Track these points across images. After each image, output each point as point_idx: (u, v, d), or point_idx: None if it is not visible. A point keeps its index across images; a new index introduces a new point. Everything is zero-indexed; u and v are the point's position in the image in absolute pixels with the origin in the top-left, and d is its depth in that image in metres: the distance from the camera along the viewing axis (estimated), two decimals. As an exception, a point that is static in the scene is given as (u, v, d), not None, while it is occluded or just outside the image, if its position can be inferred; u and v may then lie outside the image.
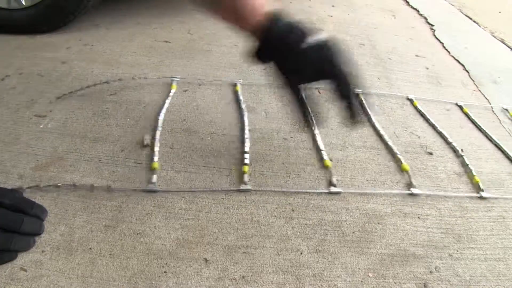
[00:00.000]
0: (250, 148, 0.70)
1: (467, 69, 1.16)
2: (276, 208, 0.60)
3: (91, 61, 0.97)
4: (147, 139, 0.69)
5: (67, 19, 1.10)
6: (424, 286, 0.51)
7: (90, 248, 0.51)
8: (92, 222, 0.54)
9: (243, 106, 0.82)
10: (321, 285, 0.49)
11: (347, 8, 1.60)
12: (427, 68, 1.13)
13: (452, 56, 1.25)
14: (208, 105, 0.83)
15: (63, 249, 0.50)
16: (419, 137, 0.80)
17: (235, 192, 0.62)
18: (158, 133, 0.71)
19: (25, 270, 0.47)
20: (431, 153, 0.76)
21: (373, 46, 1.24)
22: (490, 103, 0.98)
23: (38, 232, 0.51)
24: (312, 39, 0.57)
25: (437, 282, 0.51)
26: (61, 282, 0.46)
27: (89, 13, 1.16)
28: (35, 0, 1.05)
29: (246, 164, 0.66)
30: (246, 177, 0.63)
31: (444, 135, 0.81)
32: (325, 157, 0.70)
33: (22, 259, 0.48)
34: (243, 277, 0.49)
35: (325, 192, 0.63)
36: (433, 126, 0.84)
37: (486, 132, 0.84)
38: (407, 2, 1.80)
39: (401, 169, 0.70)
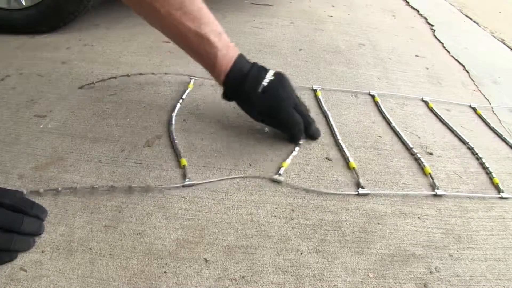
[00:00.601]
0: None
1: (467, 69, 1.16)
2: (276, 208, 0.60)
3: (91, 61, 0.97)
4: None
5: (67, 19, 1.10)
6: (424, 286, 0.51)
7: (90, 248, 0.51)
8: (92, 222, 0.54)
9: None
10: (321, 285, 0.49)
11: (347, 8, 1.60)
12: (427, 68, 1.13)
13: (452, 56, 1.25)
14: (208, 104, 0.83)
15: (63, 249, 0.50)
16: (419, 137, 0.80)
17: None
18: (173, 131, 0.73)
19: (25, 270, 0.47)
20: (431, 153, 0.76)
21: (373, 46, 1.24)
22: (490, 103, 0.98)
23: (38, 232, 0.51)
24: (265, 82, 0.67)
25: (437, 282, 0.51)
26: (61, 282, 0.46)
27: (89, 13, 1.16)
28: (35, 0, 1.06)
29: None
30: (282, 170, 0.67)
31: (458, 134, 0.82)
32: (351, 159, 0.71)
33: (22, 259, 0.48)
34: (243, 277, 0.49)
35: (353, 194, 0.64)
36: (447, 126, 0.85)
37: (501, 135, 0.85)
38: (407, 2, 1.80)
39: (424, 173, 0.70)
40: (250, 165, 0.67)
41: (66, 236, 0.52)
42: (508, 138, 0.84)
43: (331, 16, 1.48)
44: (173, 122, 0.76)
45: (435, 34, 1.43)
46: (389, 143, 0.77)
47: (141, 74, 0.90)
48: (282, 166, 0.67)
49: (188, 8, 0.61)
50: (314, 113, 0.83)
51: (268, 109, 0.68)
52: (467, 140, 0.80)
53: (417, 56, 1.21)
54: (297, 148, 0.71)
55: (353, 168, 0.68)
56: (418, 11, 1.69)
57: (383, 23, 1.48)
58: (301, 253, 0.53)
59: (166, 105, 0.81)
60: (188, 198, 0.60)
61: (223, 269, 0.50)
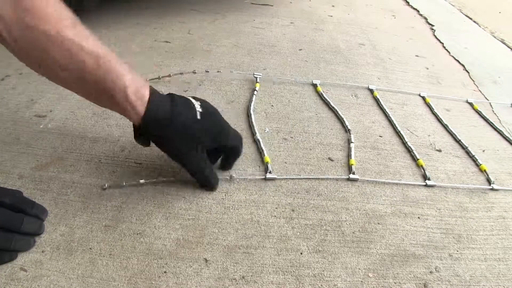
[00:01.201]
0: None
1: (467, 69, 1.16)
2: (276, 208, 0.60)
3: (91, 61, 0.96)
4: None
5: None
6: (424, 286, 0.51)
7: (90, 248, 0.51)
8: (92, 222, 0.54)
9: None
10: (321, 285, 0.49)
11: (347, 8, 1.60)
12: (427, 68, 1.13)
13: (452, 56, 1.25)
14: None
15: (63, 249, 0.50)
16: (418, 136, 0.80)
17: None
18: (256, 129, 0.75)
19: (25, 270, 0.47)
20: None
21: (373, 46, 1.24)
22: (490, 104, 0.98)
23: (38, 232, 0.51)
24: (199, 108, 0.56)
25: (437, 282, 0.51)
26: (61, 282, 0.46)
27: (89, 13, 1.16)
28: (35, 0, 1.05)
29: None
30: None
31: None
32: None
33: (22, 259, 0.48)
34: (243, 277, 0.49)
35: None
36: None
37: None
38: (407, 2, 1.80)
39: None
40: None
41: (66, 236, 0.52)
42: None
43: (331, 16, 1.48)
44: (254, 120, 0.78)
45: (435, 34, 1.43)
46: (389, 143, 0.77)
47: (181, 73, 0.91)
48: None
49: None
50: (316, 109, 0.84)
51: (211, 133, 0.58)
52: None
53: (417, 56, 1.21)
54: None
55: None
56: (418, 11, 1.69)
57: (383, 23, 1.48)
58: (301, 253, 0.53)
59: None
60: (188, 198, 0.60)
61: (223, 269, 0.50)
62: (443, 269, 0.53)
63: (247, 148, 0.71)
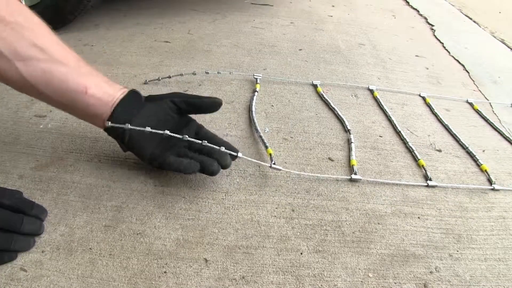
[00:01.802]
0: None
1: (467, 69, 1.16)
2: (276, 208, 0.60)
3: (91, 61, 0.95)
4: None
5: (66, 20, 1.10)
6: (424, 286, 0.51)
7: (90, 248, 0.51)
8: (92, 222, 0.54)
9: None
10: (321, 285, 0.49)
11: (347, 8, 1.60)
12: (427, 68, 1.13)
13: (452, 56, 1.25)
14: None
15: (63, 249, 0.50)
16: (418, 136, 0.80)
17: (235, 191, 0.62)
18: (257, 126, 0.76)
19: (25, 270, 0.47)
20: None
21: (373, 46, 1.24)
22: (490, 104, 0.98)
23: (38, 232, 0.51)
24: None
25: (437, 282, 0.51)
26: (61, 282, 0.46)
27: (89, 13, 1.16)
28: (34, 0, 1.05)
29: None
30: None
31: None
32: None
33: (22, 259, 0.48)
34: (243, 277, 0.49)
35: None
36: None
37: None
38: (407, 2, 1.80)
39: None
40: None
41: (66, 236, 0.52)
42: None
43: (331, 16, 1.48)
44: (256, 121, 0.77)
45: (435, 34, 1.43)
46: (389, 143, 0.77)
47: (181, 75, 0.90)
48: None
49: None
50: (316, 109, 0.84)
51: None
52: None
53: (417, 56, 1.21)
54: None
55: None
56: (418, 11, 1.69)
57: (383, 23, 1.48)
58: (301, 253, 0.53)
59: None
60: (188, 198, 0.60)
61: (223, 269, 0.50)
62: (443, 269, 0.53)
63: (248, 148, 0.71)
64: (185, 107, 0.61)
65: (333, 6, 1.60)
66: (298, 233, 0.56)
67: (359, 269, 0.52)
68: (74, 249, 0.50)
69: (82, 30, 1.15)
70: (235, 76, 0.94)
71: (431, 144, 0.79)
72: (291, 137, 0.76)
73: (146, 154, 0.58)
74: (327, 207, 0.61)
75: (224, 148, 0.58)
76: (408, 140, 0.77)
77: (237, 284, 0.48)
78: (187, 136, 0.57)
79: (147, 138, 0.58)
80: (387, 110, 0.87)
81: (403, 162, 0.72)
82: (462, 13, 1.80)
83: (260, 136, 0.72)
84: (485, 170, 0.72)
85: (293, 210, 0.60)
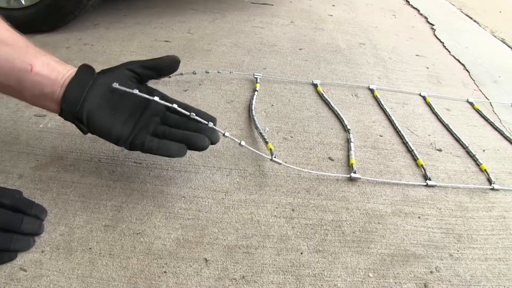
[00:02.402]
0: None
1: (467, 68, 1.16)
2: (276, 208, 0.60)
3: (91, 61, 0.96)
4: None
5: (66, 19, 1.10)
6: (425, 286, 0.51)
7: (90, 248, 0.51)
8: (92, 222, 0.54)
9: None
10: (321, 285, 0.49)
11: (347, 8, 1.60)
12: (428, 68, 1.13)
13: (453, 56, 1.24)
14: (209, 104, 0.83)
15: (63, 249, 0.50)
16: (418, 136, 0.80)
17: (236, 192, 0.62)
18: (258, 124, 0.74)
19: (25, 270, 0.47)
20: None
21: (373, 45, 1.24)
22: (490, 103, 0.98)
23: (37, 232, 0.51)
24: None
25: (437, 282, 0.51)
26: (61, 282, 0.46)
27: (89, 12, 1.16)
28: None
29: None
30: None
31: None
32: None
33: (22, 259, 0.48)
34: (243, 277, 0.49)
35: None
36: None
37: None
38: (408, 2, 1.80)
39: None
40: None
41: (66, 236, 0.52)
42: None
43: (331, 15, 1.48)
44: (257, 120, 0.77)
45: (436, 33, 1.43)
46: (390, 142, 0.77)
47: (181, 74, 0.91)
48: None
49: None
50: (316, 109, 0.83)
51: None
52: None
53: (418, 55, 1.21)
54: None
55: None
56: (418, 11, 1.68)
57: (383, 22, 1.48)
58: (301, 253, 0.53)
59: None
60: (188, 198, 0.60)
61: (223, 269, 0.50)
62: (443, 269, 0.53)
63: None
64: (144, 72, 0.56)
65: (333, 5, 1.60)
66: (298, 233, 0.56)
67: (359, 269, 0.52)
68: (74, 249, 0.50)
69: (82, 29, 1.14)
70: (235, 75, 0.94)
71: (431, 143, 0.79)
72: (291, 137, 0.75)
73: (112, 135, 0.52)
74: (327, 206, 0.61)
75: (212, 124, 0.55)
76: (408, 139, 0.77)
77: (237, 284, 0.48)
78: (176, 106, 0.52)
79: (111, 115, 0.52)
80: (387, 109, 0.87)
81: (404, 162, 0.72)
82: (463, 12, 1.80)
83: (260, 133, 0.72)
84: (485, 170, 0.72)
85: (293, 210, 0.60)
